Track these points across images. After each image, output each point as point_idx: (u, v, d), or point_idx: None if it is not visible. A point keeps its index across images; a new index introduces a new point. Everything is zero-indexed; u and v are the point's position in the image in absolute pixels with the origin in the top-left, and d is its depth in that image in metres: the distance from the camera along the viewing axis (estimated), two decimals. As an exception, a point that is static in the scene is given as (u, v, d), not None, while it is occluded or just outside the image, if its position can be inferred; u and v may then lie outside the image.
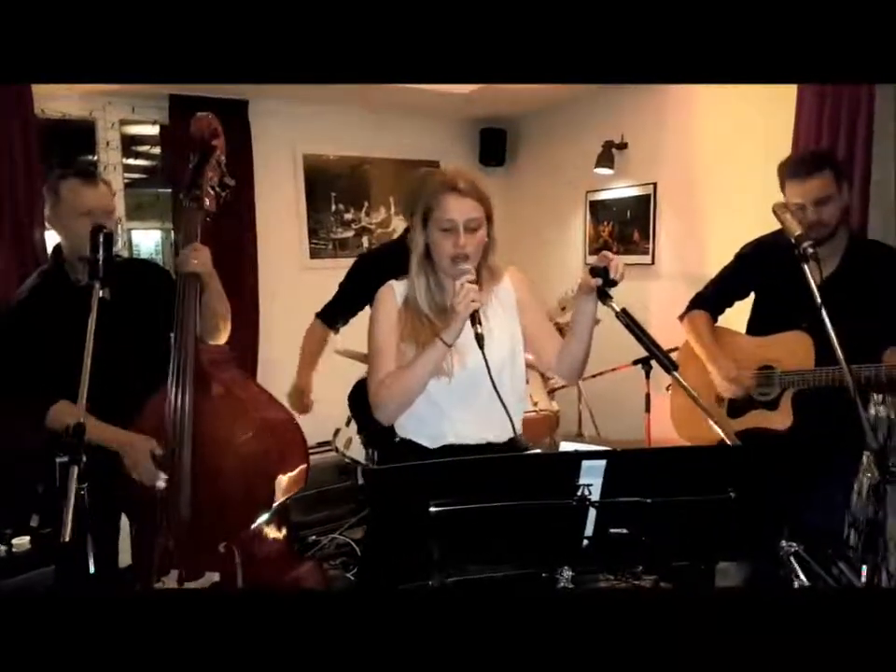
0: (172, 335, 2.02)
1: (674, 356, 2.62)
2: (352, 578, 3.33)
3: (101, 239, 1.84)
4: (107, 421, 2.02)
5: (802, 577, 1.22)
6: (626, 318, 1.57)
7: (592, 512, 1.15)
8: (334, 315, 2.95)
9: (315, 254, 4.68)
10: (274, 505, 2.04)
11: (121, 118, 4.12)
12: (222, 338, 2.24)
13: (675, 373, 1.50)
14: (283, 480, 2.05)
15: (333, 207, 4.74)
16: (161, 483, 1.93)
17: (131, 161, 4.36)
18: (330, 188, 4.71)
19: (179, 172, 4.03)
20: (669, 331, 2.75)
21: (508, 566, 1.19)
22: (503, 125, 5.25)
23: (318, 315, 2.98)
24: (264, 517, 2.04)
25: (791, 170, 2.28)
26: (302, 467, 2.11)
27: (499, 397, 1.68)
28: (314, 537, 3.66)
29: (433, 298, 1.82)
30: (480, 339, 1.63)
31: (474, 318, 1.65)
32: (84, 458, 1.49)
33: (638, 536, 1.17)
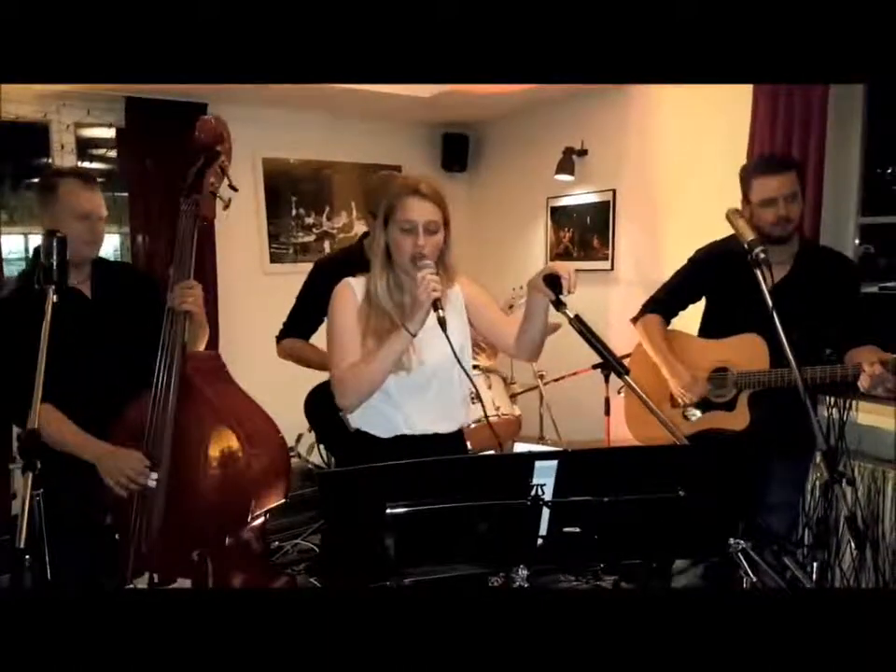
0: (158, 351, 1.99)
1: (628, 360, 2.69)
2: (315, 583, 3.32)
3: (55, 244, 1.83)
4: (92, 426, 2.00)
5: (750, 574, 1.25)
6: (579, 325, 1.60)
7: (546, 512, 1.17)
8: (297, 326, 2.79)
9: (275, 258, 4.65)
10: (251, 517, 2.01)
11: (76, 120, 4.05)
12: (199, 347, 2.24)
13: (626, 377, 1.53)
14: (262, 493, 2.02)
15: (294, 212, 4.72)
16: (152, 483, 1.92)
17: (86, 165, 4.29)
18: (291, 192, 4.69)
19: (138, 174, 4.03)
20: (628, 336, 2.81)
21: (464, 565, 1.21)
22: (465, 131, 5.28)
23: (282, 336, 2.81)
24: (241, 529, 2.02)
25: (761, 167, 2.36)
26: (283, 480, 2.09)
27: (465, 370, 1.83)
28: (277, 542, 3.64)
29: (392, 295, 1.90)
30: (442, 322, 1.72)
31: (436, 305, 1.74)
32: (39, 465, 1.47)
33: (591, 534, 1.19)
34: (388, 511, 1.09)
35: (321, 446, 3.14)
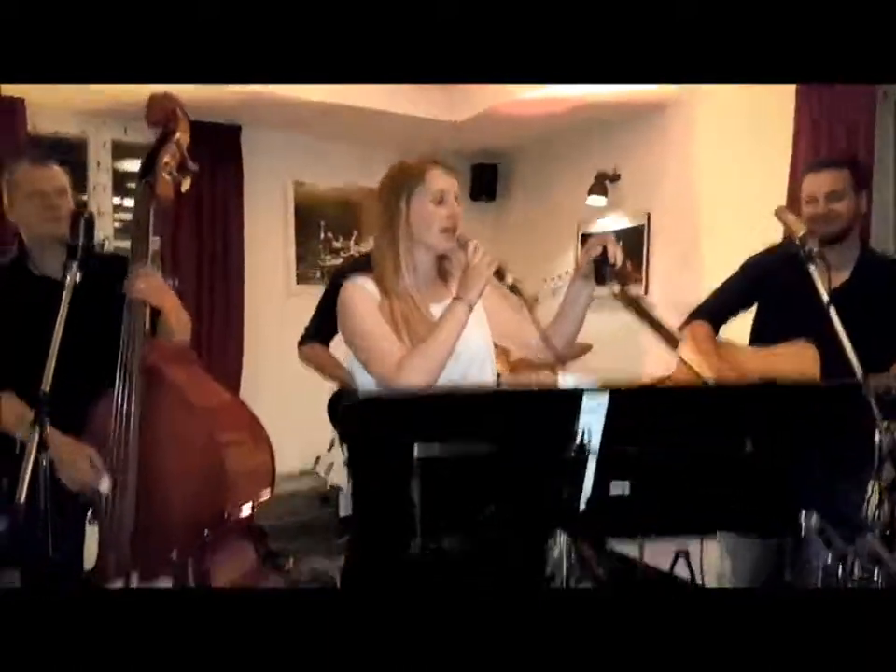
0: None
1: (670, 382, 2.56)
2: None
3: (81, 224, 1.79)
4: (64, 417, 1.86)
5: (825, 553, 1.11)
6: (626, 297, 1.53)
7: (591, 464, 1.04)
8: (319, 330, 2.74)
9: (302, 279, 4.66)
10: (229, 511, 1.86)
11: (113, 138, 4.11)
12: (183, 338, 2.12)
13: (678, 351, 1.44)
14: (239, 484, 1.88)
15: (322, 235, 4.75)
16: (104, 489, 1.81)
17: (120, 203, 4.33)
18: (320, 216, 4.73)
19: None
20: (664, 361, 2.67)
21: (497, 528, 1.08)
22: (494, 160, 5.24)
23: (303, 340, 2.79)
24: (220, 524, 1.86)
25: (811, 165, 2.38)
26: (263, 470, 1.95)
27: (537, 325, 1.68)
28: (291, 564, 3.52)
29: (415, 276, 1.76)
30: (515, 288, 1.62)
31: (501, 272, 1.62)
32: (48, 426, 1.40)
33: (641, 491, 1.06)
34: (416, 454, 0.98)
35: (345, 446, 3.06)
